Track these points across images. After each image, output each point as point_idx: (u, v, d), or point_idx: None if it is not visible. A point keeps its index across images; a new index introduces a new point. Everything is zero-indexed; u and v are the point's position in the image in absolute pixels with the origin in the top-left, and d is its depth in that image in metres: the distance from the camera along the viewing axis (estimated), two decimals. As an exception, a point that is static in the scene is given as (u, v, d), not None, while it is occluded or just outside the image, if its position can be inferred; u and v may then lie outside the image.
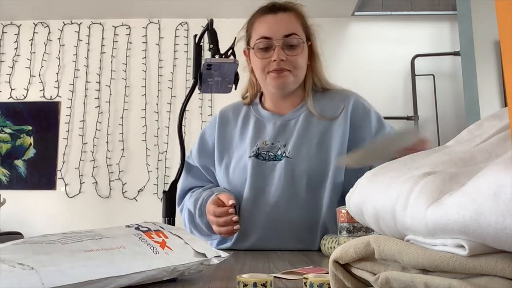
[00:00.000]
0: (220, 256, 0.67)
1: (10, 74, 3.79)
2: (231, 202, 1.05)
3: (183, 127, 1.08)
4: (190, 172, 1.28)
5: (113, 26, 3.84)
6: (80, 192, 3.64)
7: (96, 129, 3.71)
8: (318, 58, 1.23)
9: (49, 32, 3.85)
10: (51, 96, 3.78)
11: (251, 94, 1.28)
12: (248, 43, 1.22)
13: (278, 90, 1.18)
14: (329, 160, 1.13)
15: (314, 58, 1.22)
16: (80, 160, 3.67)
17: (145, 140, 3.68)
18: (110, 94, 3.76)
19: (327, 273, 0.45)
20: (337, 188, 1.12)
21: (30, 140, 3.71)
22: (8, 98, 3.77)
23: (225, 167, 1.20)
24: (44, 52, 3.82)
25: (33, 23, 3.85)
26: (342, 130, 1.15)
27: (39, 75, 3.80)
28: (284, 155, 1.15)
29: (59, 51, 3.83)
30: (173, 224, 1.00)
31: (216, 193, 1.12)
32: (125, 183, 3.65)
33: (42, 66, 3.80)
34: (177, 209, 1.24)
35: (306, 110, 1.20)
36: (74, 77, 3.79)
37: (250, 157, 1.16)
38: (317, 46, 1.22)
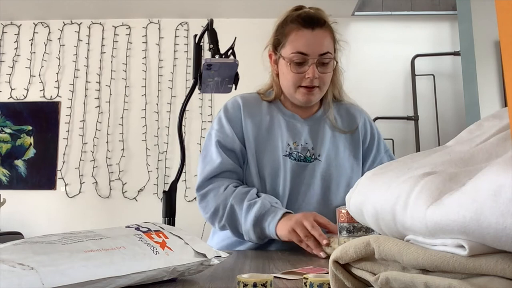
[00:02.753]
0: (220, 256, 0.67)
1: (10, 74, 3.79)
2: (325, 242, 0.97)
3: (183, 127, 1.08)
4: (226, 152, 1.20)
5: (113, 26, 3.84)
6: (80, 192, 3.64)
7: (96, 129, 3.71)
8: (340, 70, 1.28)
9: (49, 32, 3.85)
10: (51, 96, 3.78)
11: (277, 92, 1.27)
12: (276, 48, 1.22)
13: (304, 104, 1.23)
14: (354, 167, 1.23)
15: (336, 71, 1.26)
16: (80, 160, 3.67)
17: (145, 140, 3.68)
18: (110, 94, 3.76)
19: (327, 273, 0.45)
20: None
21: (30, 140, 3.71)
22: (8, 98, 3.77)
23: (256, 157, 1.19)
24: (44, 52, 3.82)
25: (33, 23, 3.85)
26: (357, 144, 1.26)
27: (39, 75, 3.80)
28: (314, 157, 1.20)
29: (59, 51, 3.83)
30: (173, 224, 1.00)
31: (281, 209, 1.07)
32: (125, 183, 3.65)
33: (42, 66, 3.80)
34: (197, 194, 1.18)
35: (325, 118, 1.26)
36: (74, 77, 3.79)
37: (284, 156, 1.19)
38: (340, 60, 1.27)
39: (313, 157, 1.20)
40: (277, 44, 1.22)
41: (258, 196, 1.13)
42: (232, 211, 1.12)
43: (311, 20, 1.16)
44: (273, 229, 1.05)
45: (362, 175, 1.24)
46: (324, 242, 0.93)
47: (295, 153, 1.20)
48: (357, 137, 1.26)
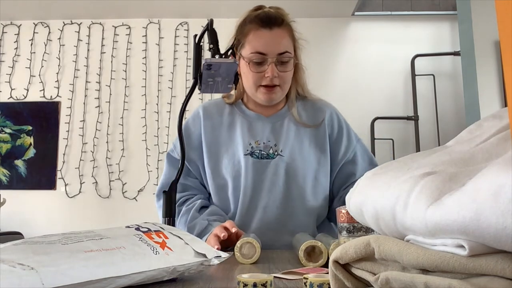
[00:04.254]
0: (220, 256, 0.67)
1: (10, 74, 3.79)
2: (234, 229, 1.05)
3: (183, 127, 1.08)
4: (174, 166, 1.28)
5: (113, 26, 3.84)
6: (80, 192, 3.64)
7: (96, 129, 3.71)
8: (302, 68, 1.29)
9: (49, 32, 3.85)
10: (51, 96, 3.78)
11: (236, 94, 1.31)
12: (236, 47, 1.23)
13: (266, 103, 1.25)
14: (321, 160, 1.25)
15: (298, 69, 1.27)
16: (80, 160, 3.67)
17: (145, 140, 3.68)
18: (110, 94, 3.76)
19: (327, 273, 0.45)
20: (326, 187, 1.26)
21: (30, 140, 3.72)
22: (8, 98, 3.77)
23: (215, 162, 1.24)
24: (44, 52, 3.82)
25: (33, 23, 3.85)
26: (323, 137, 1.27)
27: (39, 75, 3.80)
28: (276, 153, 1.23)
29: (59, 51, 3.83)
30: (173, 224, 1.00)
31: (214, 225, 1.11)
32: (125, 183, 3.65)
33: (42, 66, 3.81)
34: (156, 205, 1.24)
35: (289, 115, 1.28)
36: (74, 77, 3.79)
37: (245, 155, 1.22)
38: (301, 57, 1.28)
39: (275, 153, 1.22)
40: (237, 44, 1.23)
41: (200, 212, 1.20)
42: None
43: (268, 20, 1.18)
44: None
45: (334, 165, 1.25)
46: (215, 247, 0.99)
47: (257, 151, 1.22)
48: (322, 130, 1.26)
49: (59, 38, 3.84)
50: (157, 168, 3.64)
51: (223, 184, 1.23)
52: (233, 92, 1.31)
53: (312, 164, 1.23)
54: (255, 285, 0.52)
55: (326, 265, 0.81)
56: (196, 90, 1.06)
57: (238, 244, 0.89)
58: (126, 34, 3.84)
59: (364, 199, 0.41)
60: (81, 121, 3.73)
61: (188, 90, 1.13)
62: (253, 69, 1.19)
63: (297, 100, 1.30)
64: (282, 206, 1.20)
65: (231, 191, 1.22)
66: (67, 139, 3.70)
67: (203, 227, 1.14)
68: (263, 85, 1.20)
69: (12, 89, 3.78)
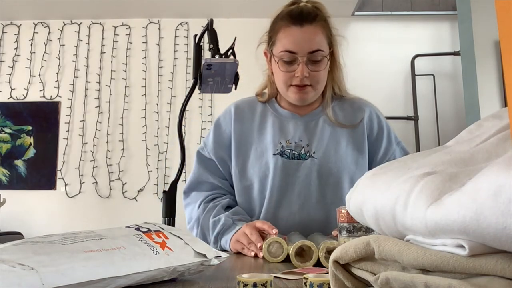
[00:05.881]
0: (220, 256, 0.67)
1: (10, 74, 3.79)
2: (275, 231, 0.97)
3: (183, 127, 1.08)
4: (203, 164, 1.24)
5: (113, 26, 3.84)
6: (80, 192, 3.64)
7: (96, 129, 3.71)
8: (339, 66, 1.23)
9: (49, 32, 3.85)
10: (51, 96, 3.78)
11: (270, 92, 1.26)
12: (269, 46, 1.20)
13: (298, 103, 1.20)
14: (358, 161, 1.19)
15: (335, 67, 1.22)
16: (80, 160, 3.67)
17: (145, 140, 3.68)
18: (110, 94, 3.76)
19: (327, 273, 0.45)
20: None
21: (30, 140, 3.71)
22: (8, 98, 3.77)
23: (242, 162, 1.19)
24: (44, 52, 3.82)
25: (33, 23, 3.85)
26: (361, 137, 1.21)
27: (39, 75, 3.80)
28: (308, 154, 1.17)
29: (59, 51, 3.83)
30: (173, 224, 1.00)
31: (239, 225, 1.08)
32: (125, 183, 3.65)
33: (42, 66, 3.80)
34: (182, 203, 1.21)
35: (324, 115, 1.22)
36: (74, 77, 3.79)
37: (274, 154, 1.17)
38: (339, 54, 1.22)
39: (307, 154, 1.17)
40: (269, 42, 1.19)
41: (225, 210, 1.16)
42: (203, 232, 1.16)
43: (300, 16, 1.12)
44: (228, 246, 1.09)
45: (373, 166, 1.18)
46: (258, 245, 0.95)
47: (288, 150, 1.17)
48: (361, 130, 1.20)
49: (59, 38, 3.84)
50: (157, 168, 3.64)
51: (248, 185, 1.18)
52: (266, 90, 1.27)
53: (349, 165, 1.17)
54: (255, 285, 0.52)
55: (318, 264, 0.82)
56: (196, 90, 1.06)
57: (268, 241, 0.89)
58: (126, 34, 3.84)
59: (364, 199, 0.41)
60: (81, 121, 3.73)
61: (188, 90, 1.13)
62: (282, 68, 1.14)
63: (333, 99, 1.24)
64: (318, 212, 1.14)
65: (256, 193, 1.17)
66: (67, 139, 3.70)
67: (227, 224, 1.10)
68: (293, 85, 1.15)
69: (12, 89, 3.78)
